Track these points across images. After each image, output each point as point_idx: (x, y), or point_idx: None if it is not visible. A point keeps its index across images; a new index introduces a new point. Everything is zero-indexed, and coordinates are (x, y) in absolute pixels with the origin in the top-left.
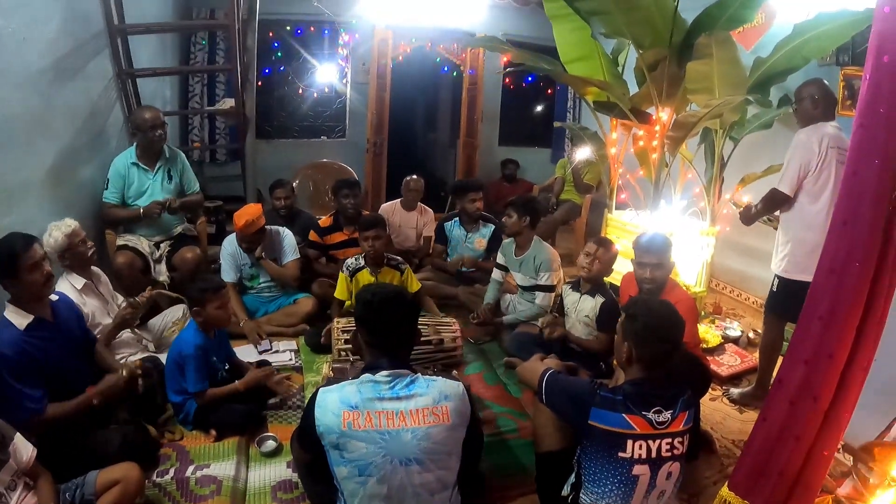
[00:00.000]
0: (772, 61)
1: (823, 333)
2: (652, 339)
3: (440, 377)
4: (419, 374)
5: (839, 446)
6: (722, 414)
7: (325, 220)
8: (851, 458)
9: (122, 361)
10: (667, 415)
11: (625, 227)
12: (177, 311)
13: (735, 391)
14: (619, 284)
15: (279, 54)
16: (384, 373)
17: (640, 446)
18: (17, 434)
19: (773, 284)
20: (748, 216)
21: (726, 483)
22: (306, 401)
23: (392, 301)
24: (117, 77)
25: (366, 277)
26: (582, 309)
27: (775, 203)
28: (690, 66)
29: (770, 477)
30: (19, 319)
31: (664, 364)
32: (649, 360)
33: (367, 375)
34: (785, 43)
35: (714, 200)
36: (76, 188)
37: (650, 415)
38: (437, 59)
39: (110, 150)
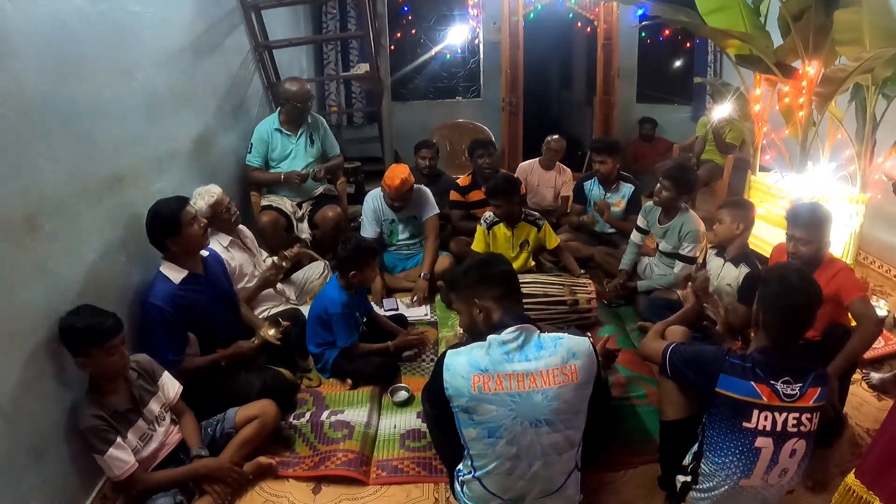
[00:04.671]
0: None
1: None
2: (778, 308)
3: (565, 334)
4: (544, 332)
5: None
6: (859, 399)
7: (463, 179)
8: None
9: (264, 315)
10: (795, 388)
11: (768, 191)
12: (318, 267)
13: (875, 376)
14: (767, 255)
15: (410, 18)
16: (510, 329)
17: (766, 417)
18: (165, 372)
19: None
20: None
21: (853, 470)
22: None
23: (491, 260)
24: (254, 50)
25: (502, 231)
26: (724, 276)
27: None
28: (838, 15)
29: None
30: (174, 274)
31: (791, 336)
32: (773, 328)
33: (493, 337)
34: None
35: (865, 164)
36: (221, 154)
37: (778, 385)
38: (570, 15)
39: (251, 117)
